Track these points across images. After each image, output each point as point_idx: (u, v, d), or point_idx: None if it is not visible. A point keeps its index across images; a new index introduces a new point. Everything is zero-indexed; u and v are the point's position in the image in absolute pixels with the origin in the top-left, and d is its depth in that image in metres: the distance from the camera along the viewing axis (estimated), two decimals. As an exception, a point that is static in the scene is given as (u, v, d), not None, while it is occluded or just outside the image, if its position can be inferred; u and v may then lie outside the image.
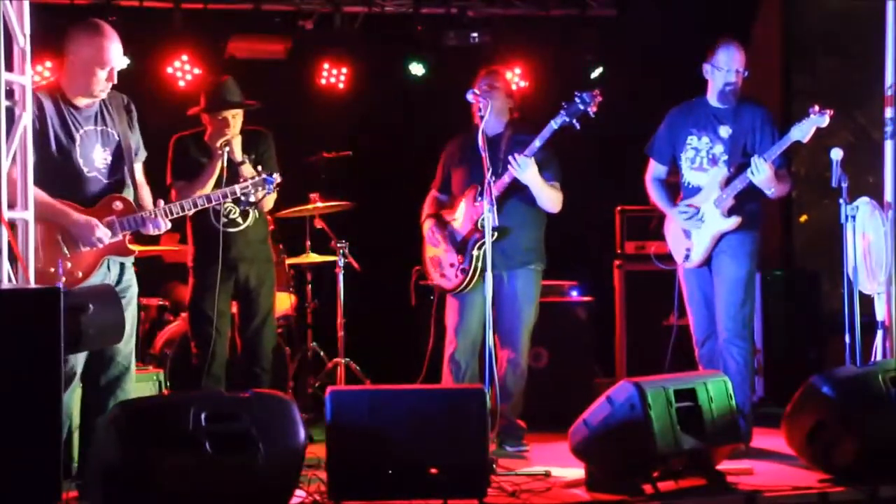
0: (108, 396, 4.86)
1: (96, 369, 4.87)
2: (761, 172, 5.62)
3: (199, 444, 4.18)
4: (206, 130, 5.93)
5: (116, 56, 4.81)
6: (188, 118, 6.14)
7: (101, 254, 4.82)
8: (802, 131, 5.61)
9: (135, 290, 5.03)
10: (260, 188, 5.24)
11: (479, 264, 5.89)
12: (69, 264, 4.72)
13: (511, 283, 5.95)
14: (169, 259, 7.13)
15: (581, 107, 5.67)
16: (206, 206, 5.19)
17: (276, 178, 5.31)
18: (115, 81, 4.85)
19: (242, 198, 5.23)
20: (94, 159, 4.85)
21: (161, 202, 5.00)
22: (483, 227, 5.81)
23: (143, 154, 5.09)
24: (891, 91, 5.89)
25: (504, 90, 6.08)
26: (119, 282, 4.91)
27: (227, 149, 5.73)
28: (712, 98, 5.93)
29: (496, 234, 5.71)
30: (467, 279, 5.95)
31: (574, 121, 5.69)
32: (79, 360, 4.80)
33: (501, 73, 6.25)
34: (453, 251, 6.04)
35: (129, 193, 4.95)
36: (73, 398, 4.94)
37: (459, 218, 6.06)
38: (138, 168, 5.06)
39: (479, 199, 5.86)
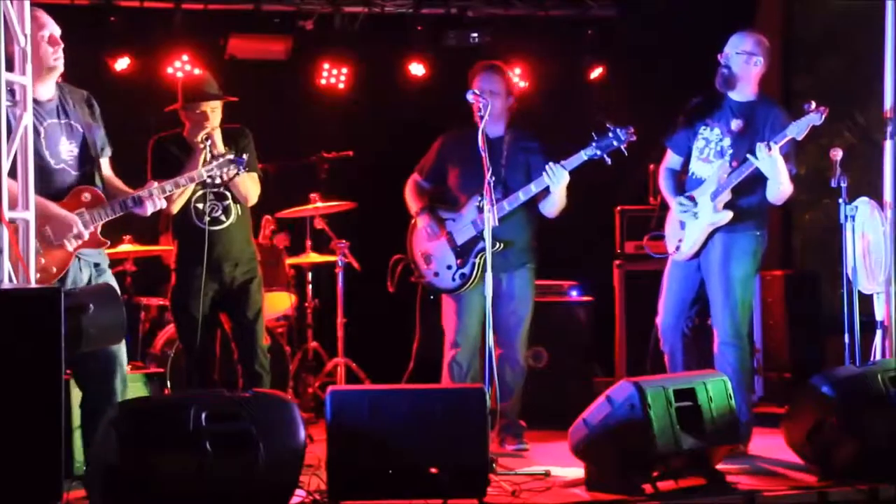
0: (105, 396, 4.83)
1: (93, 368, 4.84)
2: (763, 158, 5.51)
3: (200, 444, 4.19)
4: (185, 128, 5.73)
5: (49, 21, 4.76)
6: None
7: (75, 248, 4.77)
8: (798, 128, 5.55)
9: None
10: (231, 167, 5.22)
11: (480, 271, 5.90)
12: (43, 260, 4.64)
13: (510, 285, 5.95)
14: (168, 259, 7.11)
15: (614, 143, 5.62)
16: (189, 184, 5.26)
17: (245, 157, 5.31)
18: (62, 44, 4.78)
19: (210, 179, 5.22)
20: (61, 151, 4.81)
21: (155, 183, 4.97)
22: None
23: (108, 150, 5.03)
24: (891, 91, 5.89)
25: (504, 92, 5.97)
26: (92, 282, 4.83)
27: (208, 142, 5.52)
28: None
29: (502, 245, 5.71)
30: (467, 284, 5.95)
31: (605, 155, 5.64)
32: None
33: (501, 72, 6.07)
34: (452, 253, 6.01)
35: (97, 187, 4.91)
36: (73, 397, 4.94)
37: (462, 221, 6.01)
38: (105, 163, 5.01)
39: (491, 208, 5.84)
